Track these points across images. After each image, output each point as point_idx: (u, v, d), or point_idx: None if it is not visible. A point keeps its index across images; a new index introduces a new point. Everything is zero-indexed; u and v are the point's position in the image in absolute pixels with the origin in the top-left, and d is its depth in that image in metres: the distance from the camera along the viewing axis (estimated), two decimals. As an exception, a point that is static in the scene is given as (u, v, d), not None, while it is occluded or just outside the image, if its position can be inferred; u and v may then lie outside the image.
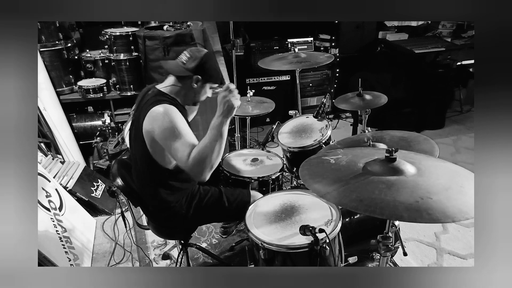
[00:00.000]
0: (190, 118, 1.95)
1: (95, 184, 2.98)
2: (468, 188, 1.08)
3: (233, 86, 1.51)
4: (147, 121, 1.55)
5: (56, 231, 2.23)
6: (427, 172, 1.16)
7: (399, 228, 1.69)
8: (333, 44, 4.24)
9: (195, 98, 1.72)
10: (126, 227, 2.01)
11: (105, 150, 3.23)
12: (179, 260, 1.99)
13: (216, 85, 1.74)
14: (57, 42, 3.32)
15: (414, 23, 4.58)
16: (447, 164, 1.25)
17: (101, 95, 3.42)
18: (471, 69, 4.19)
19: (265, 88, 4.04)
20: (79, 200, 2.73)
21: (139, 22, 3.64)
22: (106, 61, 3.46)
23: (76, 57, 3.53)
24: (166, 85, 1.68)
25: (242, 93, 2.61)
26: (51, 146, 3.10)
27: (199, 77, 1.64)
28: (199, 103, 1.81)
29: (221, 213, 1.89)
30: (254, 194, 1.91)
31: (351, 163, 1.28)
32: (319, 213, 1.57)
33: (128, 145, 1.85)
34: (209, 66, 1.66)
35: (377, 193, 1.07)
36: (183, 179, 1.74)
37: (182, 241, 1.97)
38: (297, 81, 2.83)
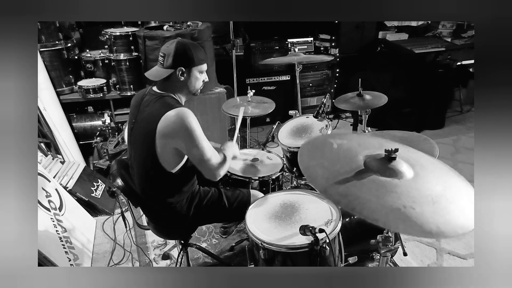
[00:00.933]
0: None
1: (95, 184, 2.98)
2: (456, 205, 1.02)
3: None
4: (163, 124, 1.54)
5: (56, 231, 2.23)
6: (423, 178, 1.11)
7: (399, 228, 1.69)
8: (333, 44, 4.24)
9: (190, 89, 1.69)
10: (126, 227, 2.00)
11: (105, 150, 3.23)
12: (179, 260, 1.99)
13: (204, 66, 1.69)
14: (57, 42, 3.33)
15: (414, 23, 4.58)
16: (451, 174, 1.18)
17: (101, 95, 3.43)
18: (471, 69, 4.19)
19: (265, 88, 4.05)
20: (79, 200, 2.73)
21: (139, 22, 3.65)
22: (106, 61, 3.46)
23: (76, 57, 3.53)
24: (161, 86, 1.67)
25: (243, 93, 2.62)
26: (51, 146, 3.10)
27: (182, 68, 1.62)
28: (199, 93, 1.78)
29: (221, 214, 1.89)
30: (255, 193, 1.91)
31: (352, 152, 1.24)
32: (319, 213, 1.57)
33: (128, 147, 1.85)
34: (185, 53, 1.62)
35: (365, 191, 1.04)
36: (185, 182, 1.75)
37: (182, 241, 1.97)
38: (297, 81, 2.83)
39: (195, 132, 1.54)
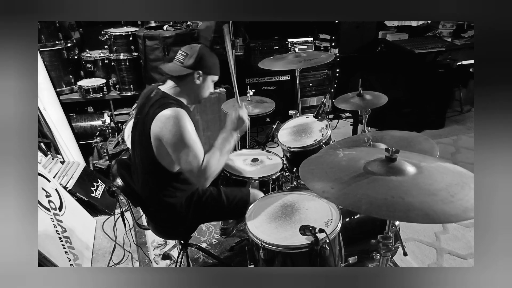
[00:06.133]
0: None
1: (95, 184, 2.97)
2: (460, 195, 1.02)
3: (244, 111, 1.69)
4: (155, 124, 1.54)
5: (56, 231, 2.23)
6: (428, 174, 1.13)
7: (399, 228, 1.69)
8: (333, 44, 4.24)
9: (199, 95, 1.72)
10: (125, 227, 2.01)
11: (105, 150, 3.23)
12: (179, 260, 1.99)
13: (217, 77, 1.73)
14: (57, 42, 3.33)
15: (414, 23, 4.58)
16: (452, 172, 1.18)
17: (101, 95, 3.43)
18: (471, 69, 4.19)
19: (265, 88, 4.04)
20: (79, 200, 2.73)
21: (139, 22, 3.65)
22: (106, 61, 3.46)
23: (76, 57, 3.54)
24: (169, 86, 1.68)
25: (243, 93, 2.62)
26: (51, 146, 3.10)
27: (200, 71, 1.64)
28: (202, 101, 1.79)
29: (220, 212, 1.89)
30: (254, 192, 1.91)
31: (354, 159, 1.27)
32: (319, 213, 1.57)
33: (130, 147, 1.85)
34: (206, 59, 1.65)
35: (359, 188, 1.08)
36: (186, 182, 1.75)
37: (182, 241, 1.97)
38: (297, 81, 2.83)
39: (184, 135, 1.51)
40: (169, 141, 1.53)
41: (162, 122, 1.53)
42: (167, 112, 1.53)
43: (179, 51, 1.67)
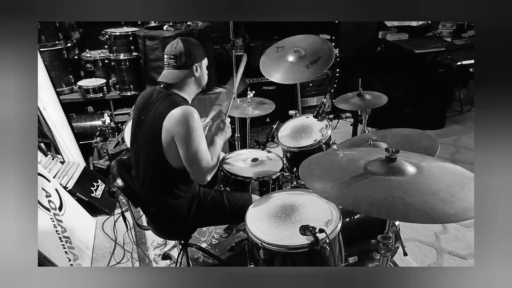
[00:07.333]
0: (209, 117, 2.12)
1: (95, 184, 2.97)
2: (460, 195, 1.02)
3: (227, 121, 1.84)
4: (168, 121, 1.56)
5: (56, 231, 2.23)
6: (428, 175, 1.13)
7: (399, 228, 1.70)
8: (333, 44, 4.24)
9: (202, 83, 1.76)
10: (126, 227, 2.01)
11: (105, 150, 3.23)
12: (179, 260, 1.99)
13: (206, 59, 1.75)
14: (57, 42, 3.33)
15: (414, 23, 4.58)
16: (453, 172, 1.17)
17: (101, 95, 3.43)
18: (471, 69, 4.19)
19: (265, 88, 4.04)
20: (79, 200, 2.73)
21: (139, 22, 3.65)
22: (106, 61, 3.46)
23: (76, 57, 3.54)
24: (169, 85, 1.68)
25: (243, 93, 2.62)
26: (51, 146, 3.10)
27: (196, 64, 1.68)
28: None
29: (221, 216, 1.89)
30: (256, 198, 1.90)
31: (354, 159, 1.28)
32: (319, 213, 1.57)
33: (130, 146, 1.85)
34: (193, 49, 1.68)
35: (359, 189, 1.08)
36: (190, 183, 1.76)
37: (182, 241, 1.97)
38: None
39: (194, 132, 1.56)
40: (181, 138, 1.56)
41: (176, 119, 1.55)
42: (180, 110, 1.56)
43: (166, 56, 1.68)
